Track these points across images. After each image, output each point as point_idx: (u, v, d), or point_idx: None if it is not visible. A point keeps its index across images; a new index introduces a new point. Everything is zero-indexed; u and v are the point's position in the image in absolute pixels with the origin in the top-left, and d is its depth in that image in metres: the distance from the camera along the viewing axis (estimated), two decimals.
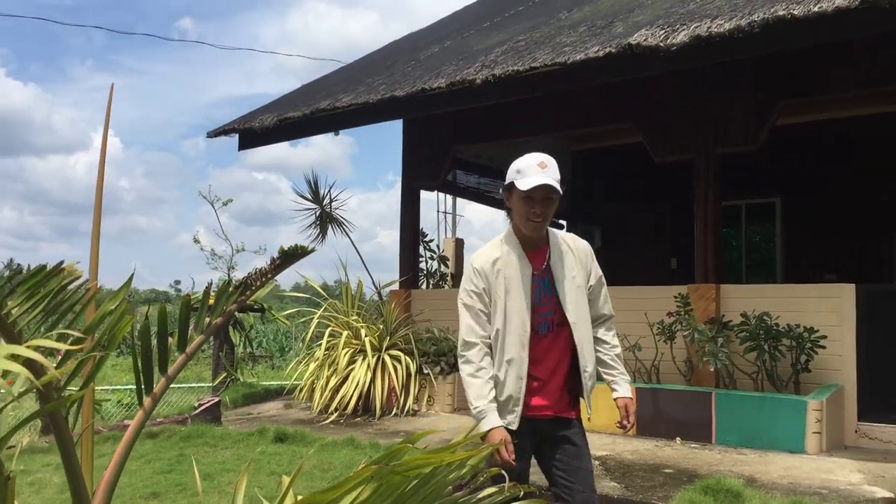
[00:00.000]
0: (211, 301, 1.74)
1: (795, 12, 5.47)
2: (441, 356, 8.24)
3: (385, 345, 8.24)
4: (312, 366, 8.34)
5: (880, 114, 8.08)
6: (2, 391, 1.43)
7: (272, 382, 11.34)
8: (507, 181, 3.17)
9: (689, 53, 6.00)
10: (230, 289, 1.71)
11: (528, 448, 3.20)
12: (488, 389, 3.08)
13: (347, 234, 10.19)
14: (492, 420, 3.03)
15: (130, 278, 1.45)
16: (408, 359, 8.10)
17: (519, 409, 3.11)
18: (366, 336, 8.17)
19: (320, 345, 8.42)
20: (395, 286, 9.50)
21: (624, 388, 3.31)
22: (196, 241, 9.95)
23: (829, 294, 6.67)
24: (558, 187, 3.08)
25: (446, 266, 10.62)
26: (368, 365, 7.99)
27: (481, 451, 2.33)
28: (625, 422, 3.27)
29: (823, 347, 6.33)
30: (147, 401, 1.58)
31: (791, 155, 9.27)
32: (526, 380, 3.13)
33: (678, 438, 6.56)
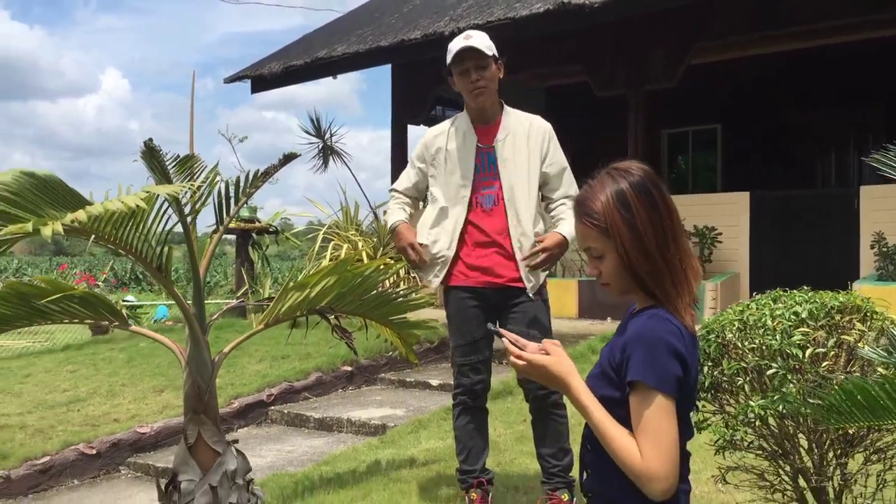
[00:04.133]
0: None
1: None
2: None
3: (379, 254, 9.91)
4: None
5: (790, 51, 9.51)
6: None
7: None
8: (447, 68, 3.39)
9: (610, 8, 7.50)
10: (259, 174, 3.35)
11: (481, 315, 3.43)
12: (394, 211, 3.75)
13: (346, 165, 11.80)
14: (395, 217, 3.72)
15: (216, 164, 3.07)
16: (398, 265, 9.77)
17: (444, 271, 3.51)
18: (362, 248, 9.85)
19: (325, 256, 10.11)
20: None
21: (562, 227, 3.35)
22: (217, 173, 11.51)
23: (730, 201, 8.29)
24: (483, 49, 3.26)
25: None
26: None
27: (397, 266, 4.13)
28: (530, 251, 3.33)
29: (721, 242, 7.98)
30: (221, 228, 3.24)
31: (726, 88, 10.71)
32: (457, 243, 3.44)
33: (609, 318, 8.27)
